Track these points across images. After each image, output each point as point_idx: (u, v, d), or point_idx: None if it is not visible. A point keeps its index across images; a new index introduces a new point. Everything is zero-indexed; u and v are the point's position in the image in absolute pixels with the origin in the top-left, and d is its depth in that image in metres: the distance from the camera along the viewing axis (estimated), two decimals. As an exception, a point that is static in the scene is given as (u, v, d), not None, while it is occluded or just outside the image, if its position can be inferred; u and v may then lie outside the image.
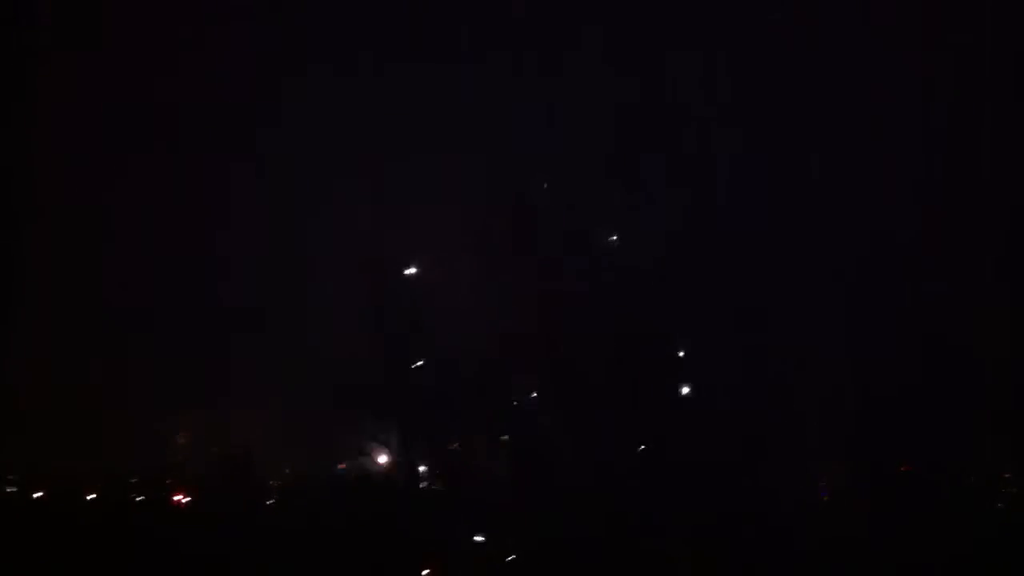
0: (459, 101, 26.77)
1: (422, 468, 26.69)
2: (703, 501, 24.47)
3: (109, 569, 24.90)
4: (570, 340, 26.00)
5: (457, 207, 26.56)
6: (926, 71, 25.31)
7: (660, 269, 25.94)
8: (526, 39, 26.68)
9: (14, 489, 27.15)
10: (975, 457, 24.21)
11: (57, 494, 26.91)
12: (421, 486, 26.78)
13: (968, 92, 25.11)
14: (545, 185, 26.03)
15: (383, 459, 26.66)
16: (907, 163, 25.34)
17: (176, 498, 27.16)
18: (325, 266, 27.24)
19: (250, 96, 27.61)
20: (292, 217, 27.47)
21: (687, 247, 25.79)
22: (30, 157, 27.40)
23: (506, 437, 26.43)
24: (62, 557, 24.90)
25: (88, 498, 26.84)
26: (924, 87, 25.37)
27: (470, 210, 26.46)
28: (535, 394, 26.24)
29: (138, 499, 26.92)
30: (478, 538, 25.67)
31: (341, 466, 27.16)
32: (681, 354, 25.97)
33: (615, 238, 26.12)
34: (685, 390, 25.83)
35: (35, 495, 26.99)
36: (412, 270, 26.73)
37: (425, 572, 25.50)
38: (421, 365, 26.17)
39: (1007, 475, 25.36)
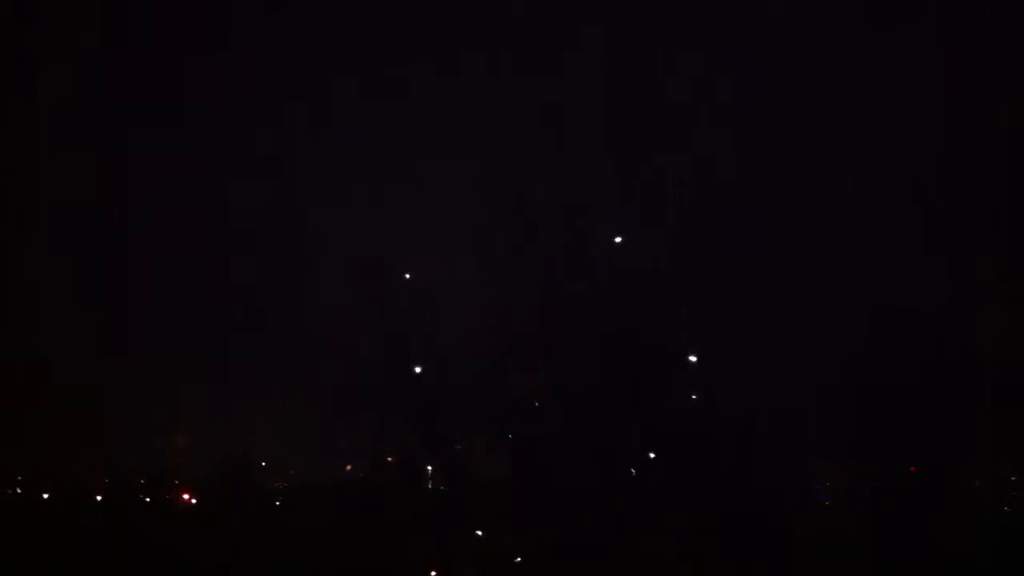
0: (459, 101, 26.76)
1: (428, 468, 26.70)
2: (703, 501, 24.46)
3: (110, 570, 24.94)
4: (570, 340, 25.98)
5: (457, 207, 26.56)
6: (926, 71, 25.27)
7: (659, 268, 25.92)
8: (526, 39, 26.66)
9: (18, 491, 27.19)
10: (977, 458, 24.17)
11: (59, 496, 26.94)
12: (424, 486, 26.81)
13: (968, 92, 25.07)
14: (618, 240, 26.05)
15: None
16: (907, 163, 25.29)
17: (179, 499, 27.18)
18: (325, 266, 27.25)
19: (250, 96, 27.62)
20: (292, 217, 27.47)
21: (687, 247, 25.76)
22: (30, 157, 27.40)
23: (509, 436, 26.43)
24: (63, 558, 24.93)
25: (87, 499, 26.86)
26: (924, 87, 25.33)
27: (470, 210, 26.45)
28: (535, 394, 26.22)
29: (140, 500, 26.95)
30: (479, 533, 25.72)
31: (347, 467, 27.18)
32: (680, 353, 25.93)
33: (619, 239, 26.09)
34: (686, 391, 25.81)
35: (38, 496, 27.01)
36: (412, 270, 26.71)
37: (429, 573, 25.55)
38: (421, 369, 26.15)
39: (1013, 478, 25.35)
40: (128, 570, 25.01)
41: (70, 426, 27.04)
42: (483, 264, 26.25)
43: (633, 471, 25.60)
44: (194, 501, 27.17)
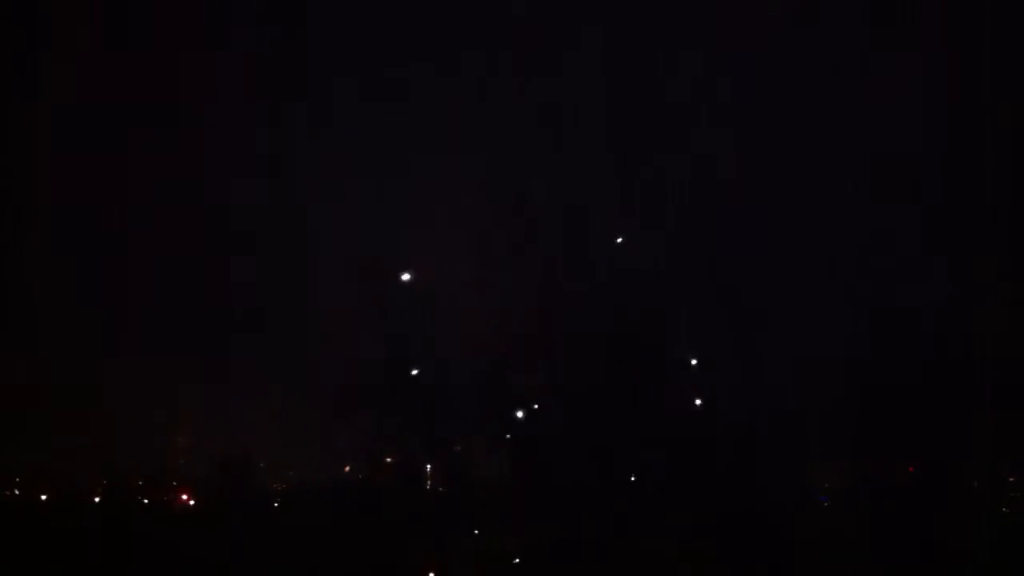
0: (459, 101, 26.76)
1: (427, 468, 26.69)
2: (703, 501, 24.45)
3: (109, 572, 24.91)
4: (570, 340, 25.97)
5: (457, 207, 26.55)
6: (926, 71, 25.26)
7: (659, 268, 25.91)
8: (526, 39, 26.65)
9: (16, 492, 27.16)
10: (976, 458, 24.15)
11: (57, 497, 26.91)
12: (423, 486, 26.79)
13: (968, 92, 25.06)
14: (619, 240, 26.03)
15: None
16: (907, 163, 25.28)
17: (177, 499, 27.16)
18: (325, 266, 27.25)
19: (250, 96, 27.61)
20: (292, 217, 27.46)
21: (687, 247, 25.75)
22: (30, 157, 27.39)
23: (509, 436, 26.42)
24: (62, 560, 24.90)
25: (85, 500, 26.84)
26: (924, 87, 25.32)
27: (470, 210, 26.44)
28: (535, 394, 26.20)
29: (138, 502, 26.92)
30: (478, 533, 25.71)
31: (346, 468, 27.16)
32: (680, 353, 25.92)
33: (620, 240, 26.08)
34: (686, 391, 25.80)
35: (36, 498, 26.99)
36: (412, 270, 26.71)
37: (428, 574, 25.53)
38: (418, 372, 26.15)
39: (1012, 478, 25.31)
40: (127, 571, 24.98)
41: (69, 426, 27.01)
42: (483, 264, 26.26)
43: (633, 471, 25.59)
44: (192, 503, 27.14)
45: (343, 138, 27.20)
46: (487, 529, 25.90)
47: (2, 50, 26.99)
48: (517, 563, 25.76)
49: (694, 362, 25.85)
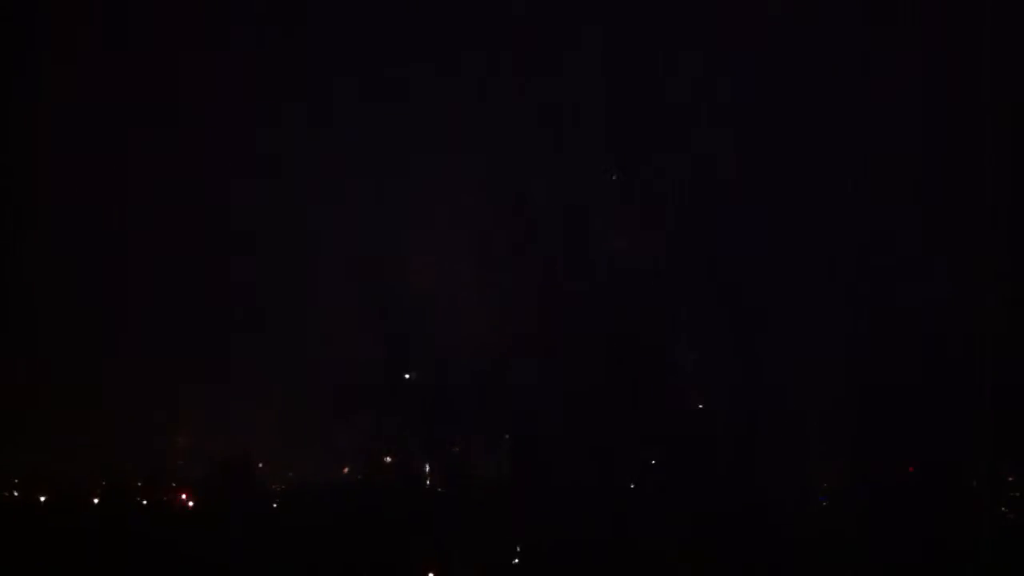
0: (459, 101, 26.76)
1: (426, 468, 26.68)
2: (703, 501, 24.44)
3: (108, 572, 24.91)
4: (570, 340, 25.96)
5: (457, 207, 26.56)
6: (926, 71, 25.24)
7: (659, 268, 25.90)
8: (526, 39, 26.65)
9: (15, 493, 27.14)
10: (976, 458, 24.13)
11: (56, 498, 26.89)
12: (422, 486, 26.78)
13: (968, 92, 25.05)
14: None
15: None
16: (907, 163, 25.27)
17: (176, 500, 27.14)
18: (325, 266, 27.25)
19: (250, 96, 27.60)
20: (292, 217, 27.46)
21: (687, 247, 25.75)
22: (30, 157, 27.39)
23: (508, 436, 26.41)
24: (63, 560, 24.90)
25: (84, 501, 26.82)
26: (924, 87, 25.31)
27: (470, 210, 26.45)
28: (535, 394, 26.19)
29: (137, 503, 26.91)
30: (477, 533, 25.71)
31: (344, 470, 27.14)
32: (681, 354, 25.92)
33: (621, 241, 26.08)
34: (686, 391, 25.79)
35: (35, 499, 26.97)
36: (412, 270, 26.71)
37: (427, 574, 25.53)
38: (418, 372, 26.16)
39: (1011, 478, 25.28)
40: (126, 571, 24.98)
41: (69, 426, 27.00)
42: (483, 264, 26.26)
43: (633, 471, 25.58)
44: (191, 504, 27.12)
45: (343, 138, 27.21)
46: (487, 529, 25.89)
47: (2, 50, 26.99)
48: (517, 563, 25.76)
49: (694, 359, 25.83)
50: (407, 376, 26.16)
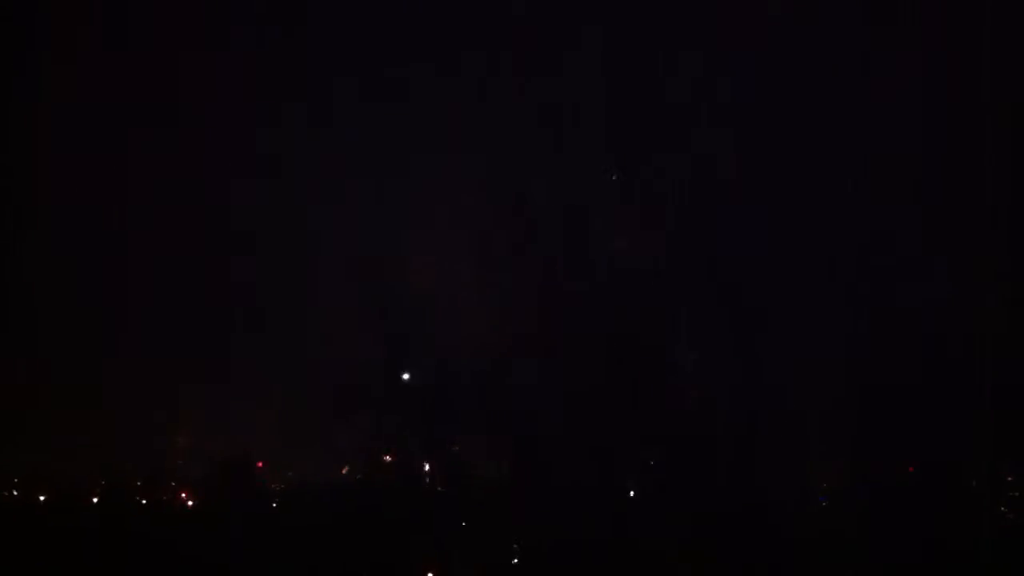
0: (459, 101, 26.76)
1: (426, 468, 26.68)
2: (703, 501, 24.43)
3: (109, 571, 24.92)
4: (570, 340, 25.95)
5: (457, 207, 26.56)
6: (926, 71, 25.23)
7: (659, 268, 25.89)
8: (526, 39, 26.64)
9: (14, 493, 27.14)
10: (976, 458, 24.12)
11: (56, 498, 26.89)
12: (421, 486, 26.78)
13: (968, 92, 25.04)
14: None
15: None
16: (907, 163, 25.26)
17: (176, 500, 27.14)
18: (325, 266, 27.25)
19: (250, 96, 27.60)
20: (292, 217, 27.46)
21: (687, 247, 25.74)
22: (30, 157, 27.39)
23: (509, 436, 26.40)
24: (64, 560, 24.90)
25: (84, 501, 26.82)
26: (924, 87, 25.30)
27: (470, 210, 26.45)
28: (535, 394, 26.19)
29: (137, 502, 26.90)
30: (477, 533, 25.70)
31: (343, 470, 27.14)
32: (681, 354, 25.91)
33: (622, 241, 26.09)
34: (686, 391, 25.78)
35: (35, 499, 26.97)
36: (412, 270, 26.71)
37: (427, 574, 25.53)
38: (417, 373, 26.17)
39: (1010, 478, 25.27)
40: (126, 571, 24.98)
41: (69, 426, 27.00)
42: (483, 264, 26.26)
43: (633, 471, 25.58)
44: (190, 503, 27.12)
45: (343, 138, 27.21)
46: (487, 529, 25.89)
47: (2, 50, 26.98)
48: (517, 563, 25.76)
49: (694, 359, 25.82)
50: (407, 376, 26.15)
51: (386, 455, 26.53)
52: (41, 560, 24.67)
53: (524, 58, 26.55)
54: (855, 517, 24.22)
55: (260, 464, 26.98)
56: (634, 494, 25.65)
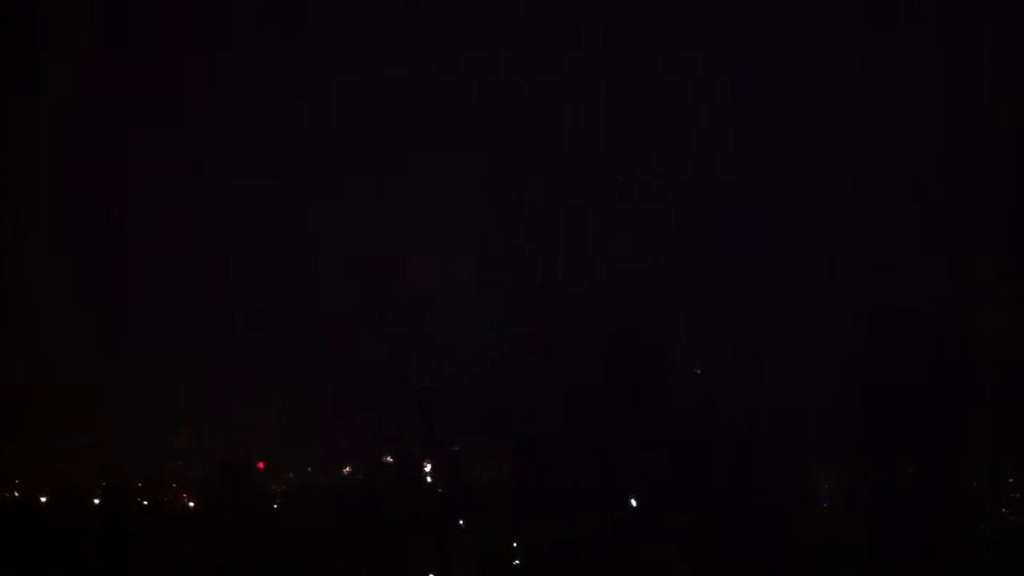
0: (459, 101, 26.77)
1: (427, 468, 26.67)
2: (703, 501, 24.42)
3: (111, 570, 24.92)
4: (570, 340, 25.94)
5: (457, 207, 26.56)
6: (926, 71, 25.23)
7: (659, 268, 25.88)
8: (526, 39, 26.64)
9: (16, 494, 27.15)
10: (976, 458, 24.10)
11: (57, 500, 26.90)
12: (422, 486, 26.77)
13: (968, 92, 25.03)
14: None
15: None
16: (907, 163, 25.25)
17: (176, 501, 27.14)
18: (325, 266, 27.26)
19: (250, 96, 27.62)
20: (292, 217, 27.47)
21: (687, 247, 25.73)
22: (30, 157, 27.40)
23: (509, 436, 26.39)
24: (64, 560, 24.90)
25: (85, 502, 26.82)
26: (924, 87, 25.29)
27: (470, 210, 26.44)
28: (535, 394, 26.18)
29: (138, 503, 26.91)
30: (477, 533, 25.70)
31: (344, 470, 27.14)
32: (682, 355, 25.90)
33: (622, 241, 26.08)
34: (686, 391, 25.77)
35: (36, 501, 26.98)
36: (412, 270, 26.70)
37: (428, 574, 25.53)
38: (417, 374, 26.16)
39: (1011, 479, 25.24)
40: (126, 571, 24.99)
41: (69, 426, 27.01)
42: (483, 264, 26.25)
43: (633, 471, 25.56)
44: (192, 504, 27.12)
45: (343, 138, 27.22)
46: (487, 529, 25.88)
47: (2, 50, 26.99)
48: (517, 563, 25.75)
49: (694, 359, 25.82)
50: (407, 378, 26.14)
51: (387, 455, 26.53)
52: (43, 560, 24.70)
53: (524, 58, 26.56)
54: (855, 517, 24.21)
55: (261, 465, 26.98)
56: (634, 494, 25.65)
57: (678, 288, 25.71)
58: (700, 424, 25.34)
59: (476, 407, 25.99)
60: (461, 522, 26.03)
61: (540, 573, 25.53)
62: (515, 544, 25.76)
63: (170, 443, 27.49)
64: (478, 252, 26.28)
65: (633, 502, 25.65)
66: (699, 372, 25.77)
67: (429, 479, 26.70)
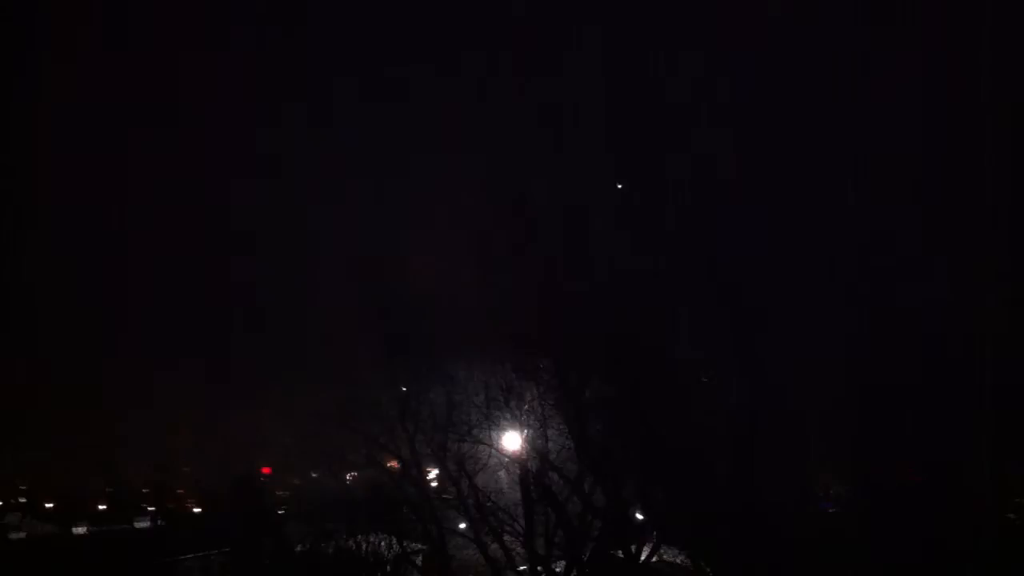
0: (459, 101, 26.77)
1: (429, 471, 26.65)
2: (703, 502, 24.39)
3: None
4: (570, 340, 25.90)
5: (457, 207, 26.56)
6: (926, 71, 25.21)
7: (659, 269, 25.86)
8: (526, 39, 26.65)
9: (21, 500, 27.21)
10: (977, 458, 24.05)
11: (64, 505, 26.95)
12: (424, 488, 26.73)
13: (968, 92, 25.00)
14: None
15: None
16: (907, 163, 25.24)
17: (181, 507, 27.16)
18: (325, 266, 27.27)
19: (250, 96, 27.63)
20: (292, 217, 27.48)
21: (687, 247, 25.71)
22: (30, 157, 27.38)
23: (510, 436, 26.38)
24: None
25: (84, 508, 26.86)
26: (924, 87, 25.27)
27: (470, 210, 26.44)
28: (535, 394, 26.16)
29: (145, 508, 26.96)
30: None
31: (349, 476, 27.11)
32: (681, 355, 25.89)
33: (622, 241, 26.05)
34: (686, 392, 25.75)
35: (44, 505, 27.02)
36: (412, 270, 26.69)
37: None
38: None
39: (1011, 479, 25.20)
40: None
41: (69, 426, 27.03)
42: (483, 264, 26.21)
43: (633, 471, 25.53)
44: (197, 510, 27.16)
45: (343, 138, 27.25)
46: (487, 531, 25.86)
47: (2, 50, 26.99)
48: (518, 565, 25.77)
49: (695, 359, 25.79)
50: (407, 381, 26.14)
51: (388, 459, 26.49)
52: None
53: (524, 58, 26.57)
54: (856, 517, 24.18)
55: (266, 470, 27.01)
56: (634, 495, 25.67)
57: (678, 288, 25.69)
58: (700, 424, 25.31)
59: (477, 408, 25.99)
60: (464, 524, 26.04)
61: (542, 573, 25.59)
62: (518, 545, 25.78)
63: (170, 443, 27.53)
64: (478, 252, 26.26)
65: (633, 503, 25.69)
66: (693, 368, 25.73)
67: (433, 482, 26.70)
